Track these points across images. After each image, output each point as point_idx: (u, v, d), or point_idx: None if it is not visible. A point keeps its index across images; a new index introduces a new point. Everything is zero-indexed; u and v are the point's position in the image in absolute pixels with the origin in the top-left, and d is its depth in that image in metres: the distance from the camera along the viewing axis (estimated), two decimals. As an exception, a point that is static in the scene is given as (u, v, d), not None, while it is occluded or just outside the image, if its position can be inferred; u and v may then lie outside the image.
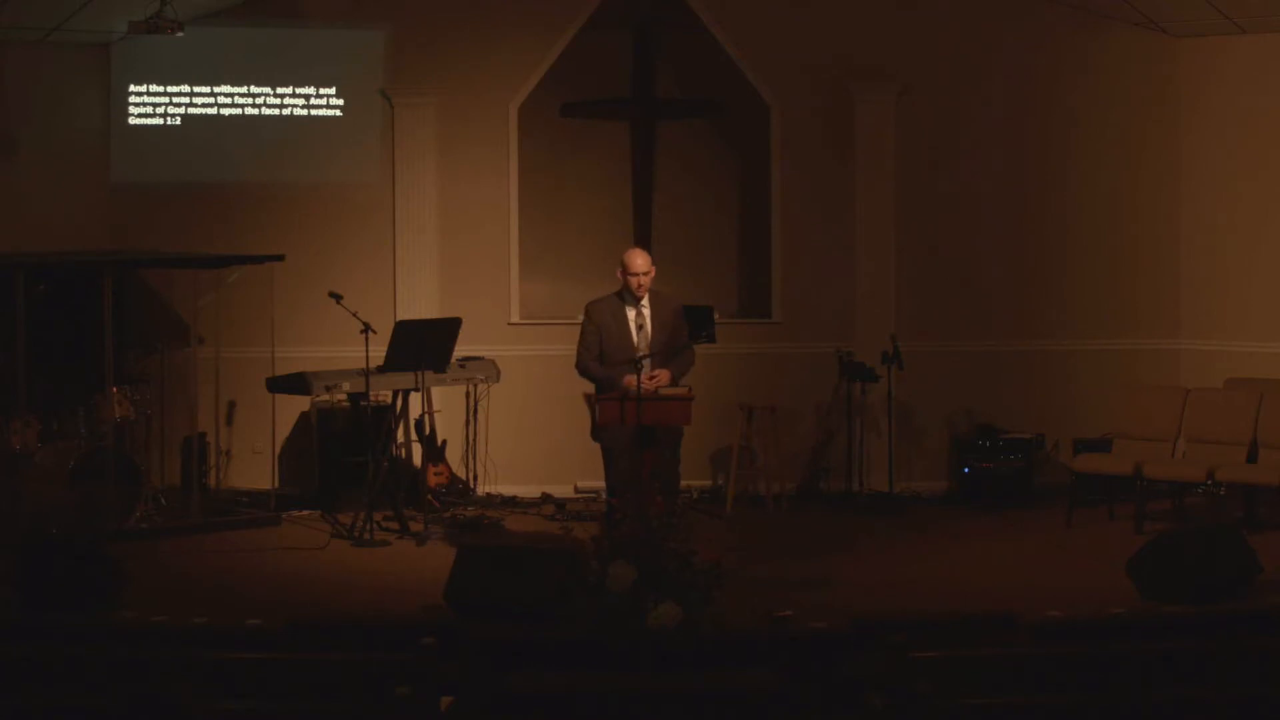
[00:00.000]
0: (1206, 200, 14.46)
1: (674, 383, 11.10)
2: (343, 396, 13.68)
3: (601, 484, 11.64)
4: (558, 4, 14.46)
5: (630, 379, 10.88)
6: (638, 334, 11.20)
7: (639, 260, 11.24)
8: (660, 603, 9.51)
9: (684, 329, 11.39)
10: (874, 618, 9.34)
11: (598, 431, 11.25)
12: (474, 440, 13.95)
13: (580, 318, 13.19)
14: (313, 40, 14.45)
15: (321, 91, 14.47)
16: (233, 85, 14.38)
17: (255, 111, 14.42)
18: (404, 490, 13.32)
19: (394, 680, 7.96)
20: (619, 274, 11.30)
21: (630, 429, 10.81)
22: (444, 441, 13.88)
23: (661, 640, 9.37)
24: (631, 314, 11.24)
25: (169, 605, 10.45)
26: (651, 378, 10.98)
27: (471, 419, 13.93)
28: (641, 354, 11.03)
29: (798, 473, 14.39)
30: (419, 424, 13.71)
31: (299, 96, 14.45)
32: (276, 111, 14.43)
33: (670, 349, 11.16)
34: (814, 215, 14.62)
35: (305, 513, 13.57)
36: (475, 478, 14.01)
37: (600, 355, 11.20)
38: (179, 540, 12.77)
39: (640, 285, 11.19)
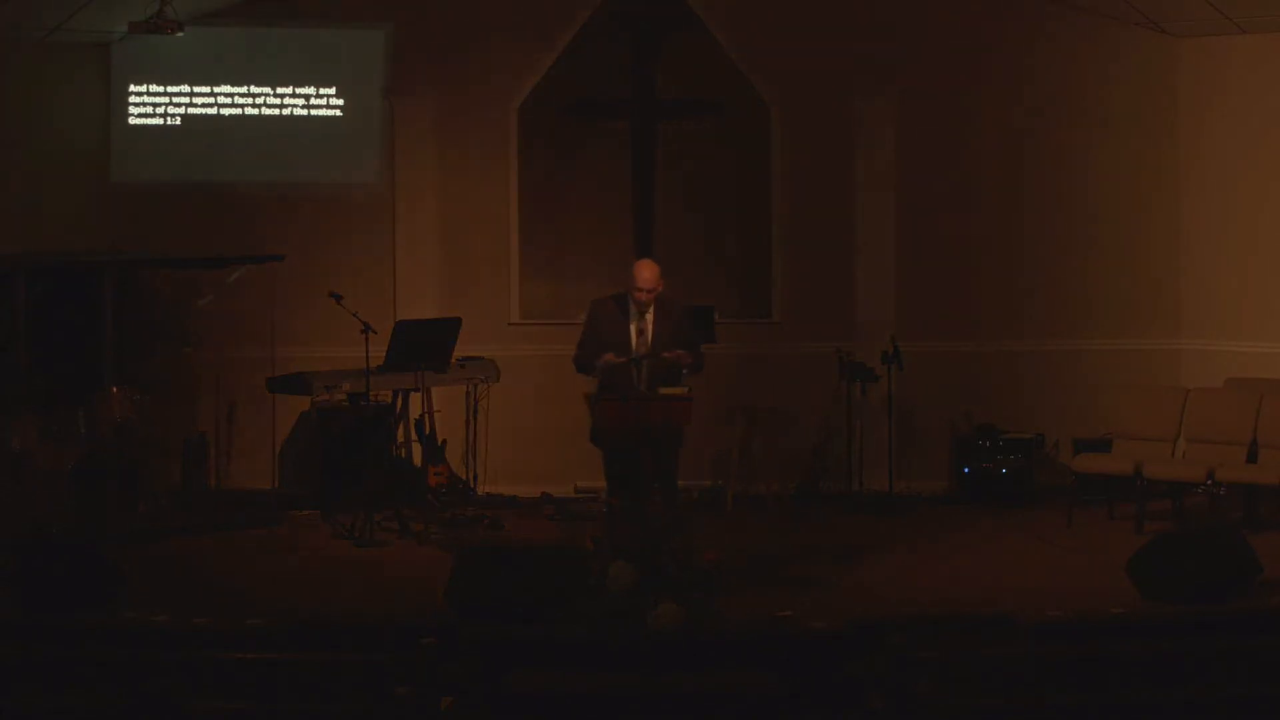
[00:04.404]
0: (1206, 200, 14.45)
1: (692, 366, 11.07)
2: (343, 396, 13.67)
3: (601, 484, 11.63)
4: (558, 4, 14.46)
5: (608, 355, 10.87)
6: (637, 339, 11.16)
7: (645, 274, 11.11)
8: (660, 603, 9.51)
9: (692, 332, 11.32)
10: (874, 618, 9.34)
11: (597, 435, 11.21)
12: (474, 440, 13.94)
13: (582, 315, 13.19)
14: (313, 40, 14.45)
15: (321, 91, 14.47)
16: (233, 85, 14.38)
17: (255, 111, 14.42)
18: (404, 490, 13.32)
19: (394, 680, 7.96)
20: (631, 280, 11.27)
21: (628, 429, 10.80)
22: (444, 441, 13.87)
23: (661, 640, 9.37)
24: (634, 318, 11.18)
25: (169, 605, 10.46)
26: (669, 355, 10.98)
27: (471, 419, 13.92)
28: (638, 354, 11.01)
29: (798, 473, 14.38)
30: (419, 424, 13.71)
31: (299, 96, 14.45)
32: (276, 111, 14.43)
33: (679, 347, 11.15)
34: (814, 215, 14.62)
35: (305, 513, 13.55)
36: (475, 478, 14.00)
37: (597, 352, 11.17)
38: (179, 540, 12.77)
39: (645, 299, 11.13)
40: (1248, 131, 14.21)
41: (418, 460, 13.81)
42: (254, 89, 14.41)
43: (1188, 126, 14.51)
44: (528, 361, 14.28)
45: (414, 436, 13.78)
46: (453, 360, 13.52)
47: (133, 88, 14.30)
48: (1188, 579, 10.66)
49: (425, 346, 13.12)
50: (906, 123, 14.54)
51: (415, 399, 13.64)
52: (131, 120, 14.31)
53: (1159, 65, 14.52)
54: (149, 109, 14.33)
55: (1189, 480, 12.98)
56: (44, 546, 10.86)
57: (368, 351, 12.83)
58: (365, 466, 13.19)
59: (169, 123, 14.35)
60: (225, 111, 14.39)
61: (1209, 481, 12.79)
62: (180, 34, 13.11)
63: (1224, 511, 12.82)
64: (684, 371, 11.10)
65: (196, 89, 14.37)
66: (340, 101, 14.48)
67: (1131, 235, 14.63)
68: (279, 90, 14.43)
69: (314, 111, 14.46)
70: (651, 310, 11.13)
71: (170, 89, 14.33)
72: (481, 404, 13.93)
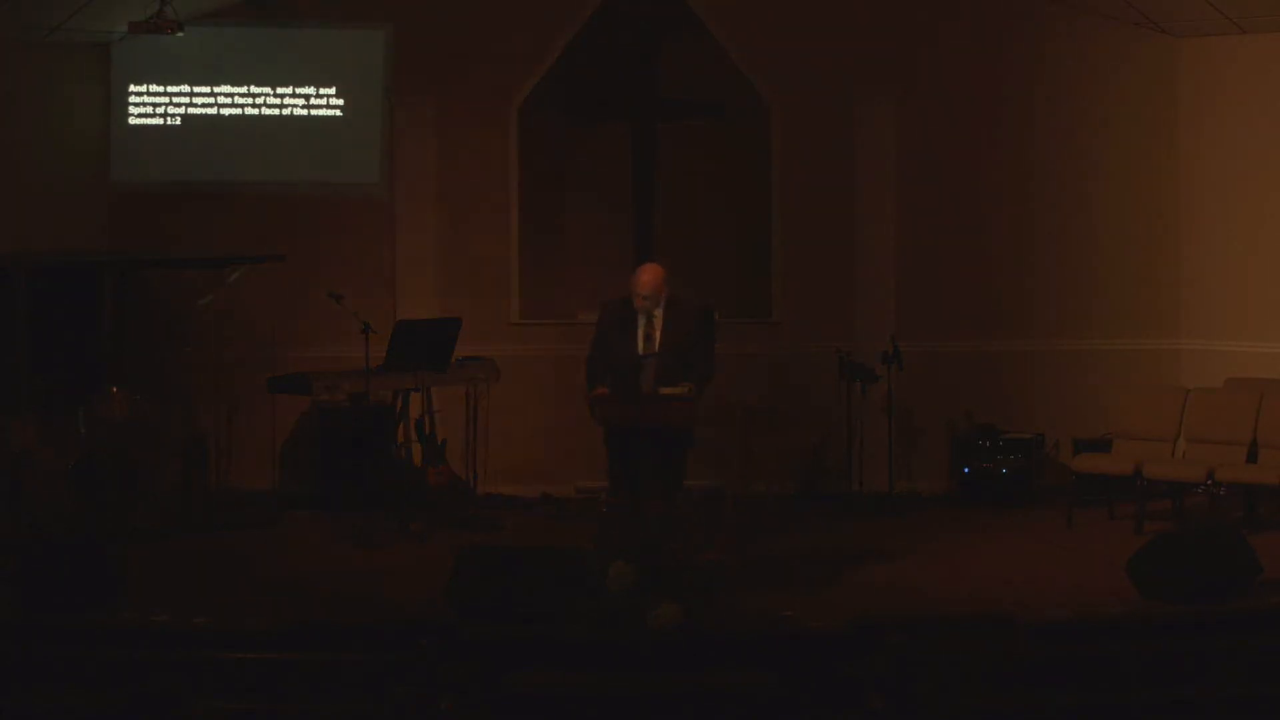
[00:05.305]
0: (1206, 200, 14.45)
1: (697, 390, 11.02)
2: (343, 396, 13.67)
3: (602, 484, 11.64)
4: (558, 4, 14.46)
5: (599, 390, 10.93)
6: (645, 342, 11.16)
7: (643, 279, 11.11)
8: (660, 603, 9.51)
9: (701, 334, 11.30)
10: (874, 618, 9.34)
11: (609, 437, 11.23)
12: (474, 440, 13.94)
13: (582, 315, 13.22)
14: (313, 40, 14.45)
15: (321, 91, 14.47)
16: (233, 85, 14.38)
17: (255, 111, 14.41)
18: (404, 490, 13.31)
19: (394, 680, 7.96)
20: None
21: (630, 430, 10.81)
22: (444, 441, 13.87)
23: (661, 640, 9.37)
24: (641, 319, 11.16)
25: (169, 605, 10.46)
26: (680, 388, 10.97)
27: (471, 419, 13.92)
28: (643, 354, 11.02)
29: (798, 473, 14.38)
30: (419, 424, 13.70)
31: (299, 96, 14.45)
32: (276, 111, 14.43)
33: (684, 355, 11.10)
34: (814, 215, 14.62)
35: (307, 513, 13.56)
36: (475, 478, 14.00)
37: (606, 354, 11.19)
38: (179, 540, 12.77)
39: (643, 306, 11.13)
40: (1248, 131, 14.21)
41: (418, 460, 13.81)
42: (254, 89, 14.41)
43: (1188, 127, 14.51)
44: (528, 361, 14.28)
45: (414, 436, 13.77)
46: (453, 360, 13.52)
47: (133, 88, 14.29)
48: (1188, 579, 10.66)
49: (425, 346, 13.12)
50: (907, 123, 14.54)
51: (415, 399, 13.64)
52: (131, 120, 14.30)
53: (1159, 65, 14.52)
54: (149, 109, 14.33)
55: (1189, 480, 12.98)
56: (44, 546, 10.86)
57: (368, 351, 12.83)
58: (365, 466, 13.19)
59: (169, 123, 14.34)
60: (225, 111, 14.39)
61: (1209, 481, 12.79)
62: (180, 34, 13.11)
63: (1224, 511, 12.82)
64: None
65: (196, 89, 14.36)
66: (340, 101, 14.48)
67: (1132, 235, 14.63)
68: (279, 90, 14.43)
69: (314, 111, 14.46)
70: (660, 311, 11.12)
71: (170, 89, 14.32)
72: (481, 404, 13.93)
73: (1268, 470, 12.79)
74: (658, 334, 11.10)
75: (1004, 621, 9.15)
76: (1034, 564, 12.14)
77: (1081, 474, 13.33)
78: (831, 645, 9.39)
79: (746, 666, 9.21)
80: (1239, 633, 8.92)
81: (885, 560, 12.25)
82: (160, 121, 14.34)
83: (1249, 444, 13.02)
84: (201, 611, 10.23)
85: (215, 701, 7.87)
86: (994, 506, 13.90)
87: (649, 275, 11.15)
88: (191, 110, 14.36)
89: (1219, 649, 8.33)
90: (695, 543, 10.06)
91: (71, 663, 8.11)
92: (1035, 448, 14.24)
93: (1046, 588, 11.31)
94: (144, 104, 14.32)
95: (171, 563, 12.14)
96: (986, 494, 14.10)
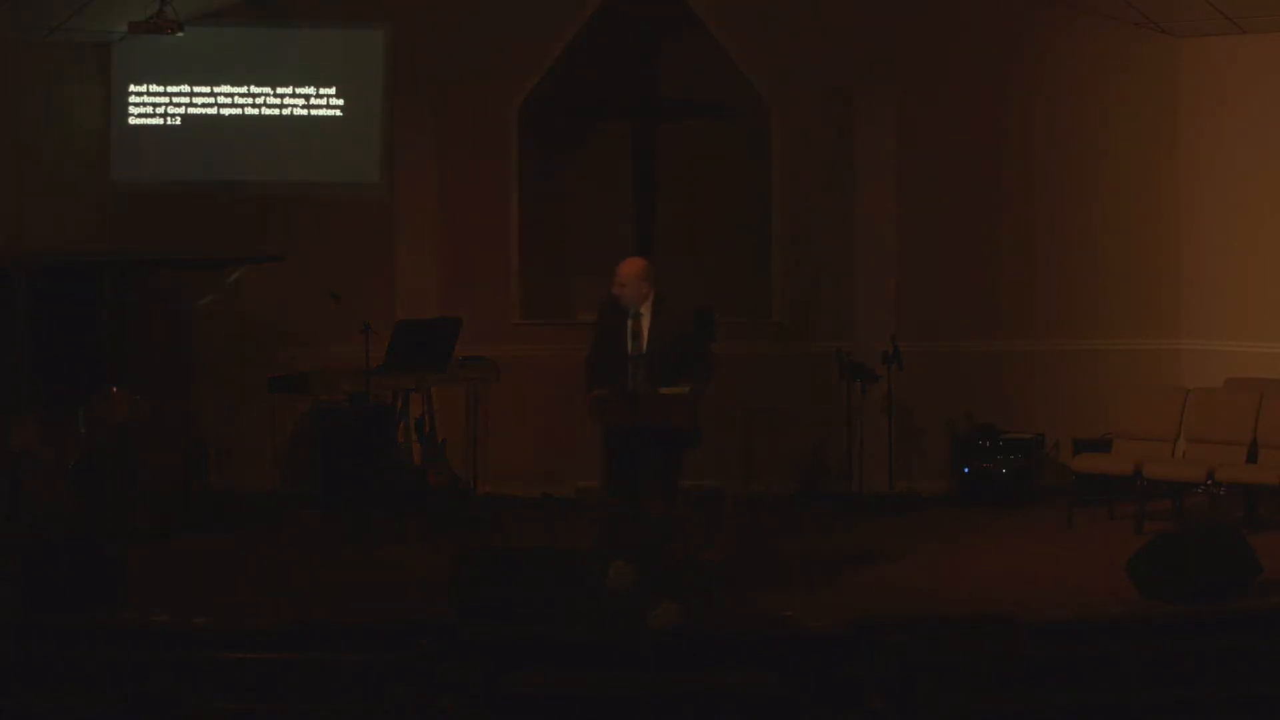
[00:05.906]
0: (1206, 200, 14.45)
1: (694, 392, 11.01)
2: (343, 396, 13.67)
3: (602, 484, 11.65)
4: (558, 4, 14.46)
5: (597, 391, 10.92)
6: (632, 341, 11.16)
7: (621, 270, 11.16)
8: (660, 603, 9.51)
9: (695, 337, 11.29)
10: (874, 618, 9.34)
11: (608, 437, 11.24)
12: (474, 440, 13.94)
13: (583, 315, 13.24)
14: (313, 40, 14.45)
15: (321, 91, 14.47)
16: (233, 85, 14.37)
17: (255, 111, 14.41)
18: (404, 490, 13.32)
19: (394, 680, 7.96)
20: None
21: (628, 429, 10.82)
22: (444, 441, 13.87)
23: (661, 640, 9.37)
24: (630, 317, 11.19)
25: (169, 605, 10.46)
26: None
27: (471, 419, 13.92)
28: (630, 353, 11.04)
29: (798, 473, 14.38)
30: (419, 424, 13.71)
31: (299, 96, 14.45)
32: (276, 111, 14.43)
33: (676, 357, 11.10)
34: (814, 215, 14.62)
35: (306, 513, 13.56)
36: (475, 478, 14.00)
37: (604, 354, 11.21)
38: (179, 540, 12.77)
39: (620, 294, 11.13)
40: (1249, 132, 14.21)
41: (418, 460, 13.81)
42: (254, 89, 14.41)
43: (1188, 126, 14.51)
44: (528, 361, 14.28)
45: (414, 436, 13.78)
46: (453, 360, 13.52)
47: (133, 88, 14.29)
48: (1188, 579, 10.65)
49: (425, 346, 13.13)
50: (906, 123, 14.54)
51: (415, 399, 13.63)
52: (131, 120, 14.30)
53: (1159, 65, 14.52)
54: (149, 109, 14.33)
55: (1189, 480, 12.98)
56: (44, 546, 10.86)
57: (368, 351, 12.83)
58: (365, 466, 13.18)
59: (169, 123, 14.34)
60: (225, 111, 14.39)
61: (1209, 481, 12.79)
62: (180, 34, 13.11)
63: (1224, 511, 12.82)
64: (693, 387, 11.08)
65: (196, 89, 14.36)
66: (340, 101, 14.48)
67: (1132, 235, 14.62)
68: (279, 90, 14.43)
69: (314, 111, 14.46)
70: (648, 310, 11.13)
71: (170, 89, 14.32)
72: (481, 404, 13.93)
73: (1268, 470, 12.79)
74: (645, 333, 11.11)
75: (1004, 621, 9.15)
76: (1034, 564, 12.14)
77: (1081, 474, 13.33)
78: (831, 645, 9.39)
79: (746, 666, 9.21)
80: (1239, 633, 8.92)
81: (885, 560, 12.25)
82: (160, 121, 14.34)
83: (1249, 444, 13.02)
84: (201, 611, 10.22)
85: (215, 701, 7.87)
86: (994, 506, 13.90)
87: (627, 267, 11.19)
88: (191, 110, 14.36)
89: (1219, 649, 8.33)
90: (695, 543, 10.06)
91: (71, 663, 8.11)
92: (1035, 448, 14.24)
93: (1046, 588, 11.31)
94: (144, 104, 14.31)
95: (171, 563, 12.14)
96: (986, 494, 14.10)
